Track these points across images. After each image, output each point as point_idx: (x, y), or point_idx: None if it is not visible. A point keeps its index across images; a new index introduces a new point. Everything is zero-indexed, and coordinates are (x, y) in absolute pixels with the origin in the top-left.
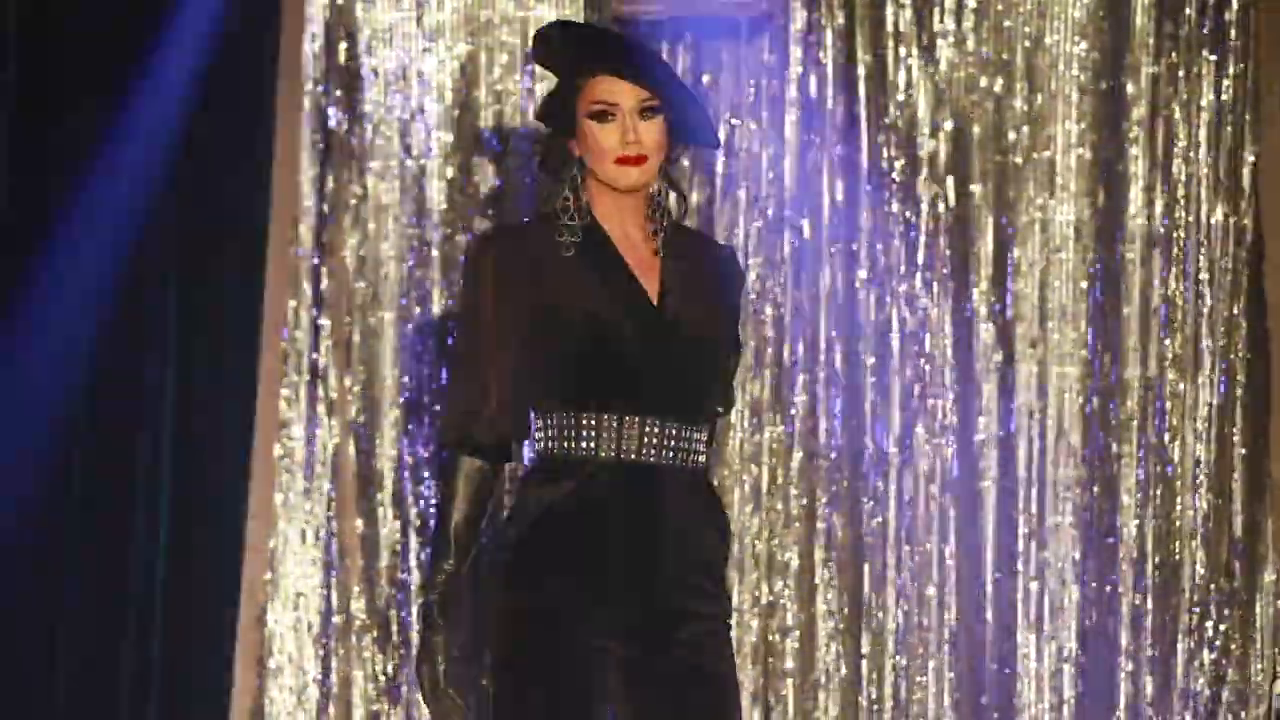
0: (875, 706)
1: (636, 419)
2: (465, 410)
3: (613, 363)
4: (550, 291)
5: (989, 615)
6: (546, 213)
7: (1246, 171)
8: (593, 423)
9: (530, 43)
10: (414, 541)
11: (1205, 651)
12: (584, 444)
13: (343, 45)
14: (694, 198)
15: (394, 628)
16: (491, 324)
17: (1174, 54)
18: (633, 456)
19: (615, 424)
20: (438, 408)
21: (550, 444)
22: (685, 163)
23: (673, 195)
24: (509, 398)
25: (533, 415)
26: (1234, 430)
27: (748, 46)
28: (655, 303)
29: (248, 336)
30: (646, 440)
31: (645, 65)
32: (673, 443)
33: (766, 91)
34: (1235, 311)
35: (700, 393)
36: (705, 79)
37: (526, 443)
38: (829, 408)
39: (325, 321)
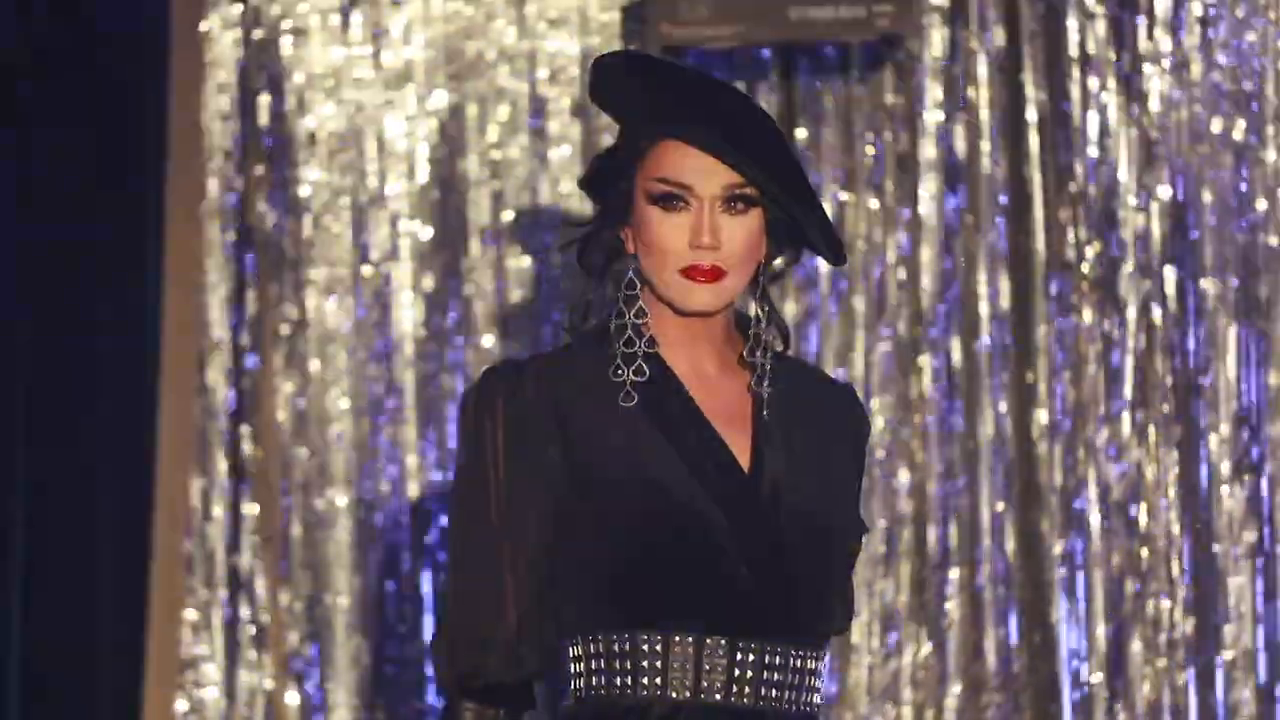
0: None
1: (724, 641)
2: (468, 634)
3: (688, 556)
4: (593, 453)
5: None
6: (584, 335)
7: None
8: (659, 648)
9: (588, 77)
10: None
11: None
12: (646, 679)
13: (264, 99)
14: (789, 308)
15: None
16: (504, 504)
17: None
18: (718, 697)
19: (692, 649)
20: (426, 634)
21: (594, 680)
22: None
23: (765, 318)
24: (533, 613)
25: (566, 639)
26: None
27: (861, 85)
28: (747, 469)
29: (132, 535)
30: (740, 672)
31: (742, 132)
32: (777, 675)
33: (891, 150)
34: None
35: (816, 599)
36: (800, 135)
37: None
38: (999, 617)
39: (250, 509)
